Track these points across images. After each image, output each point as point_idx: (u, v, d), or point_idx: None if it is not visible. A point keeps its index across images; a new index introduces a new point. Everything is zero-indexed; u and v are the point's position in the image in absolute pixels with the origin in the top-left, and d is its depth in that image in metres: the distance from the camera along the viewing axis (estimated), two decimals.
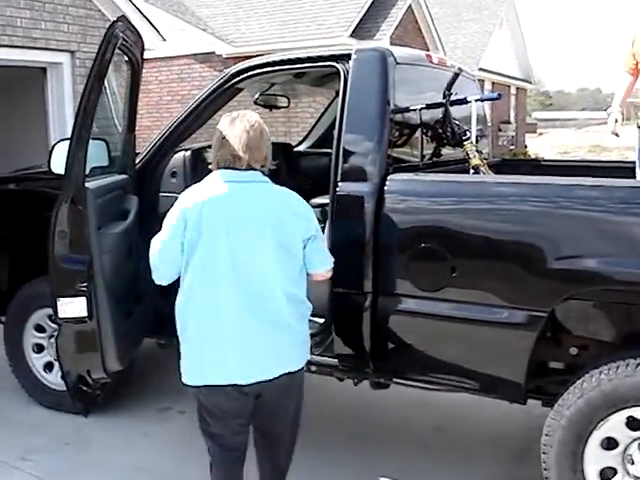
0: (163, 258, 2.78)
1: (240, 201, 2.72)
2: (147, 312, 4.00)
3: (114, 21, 3.52)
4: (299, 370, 2.84)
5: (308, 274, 2.90)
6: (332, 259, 2.98)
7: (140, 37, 3.93)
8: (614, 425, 2.93)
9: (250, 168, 2.75)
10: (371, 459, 3.76)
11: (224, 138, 2.77)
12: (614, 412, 2.91)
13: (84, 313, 3.50)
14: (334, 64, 3.60)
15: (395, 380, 3.55)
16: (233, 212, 2.69)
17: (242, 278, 2.67)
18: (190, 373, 2.82)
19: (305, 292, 2.86)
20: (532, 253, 3.03)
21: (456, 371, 3.31)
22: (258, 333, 2.69)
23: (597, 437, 2.95)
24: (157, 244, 2.78)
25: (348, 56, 3.56)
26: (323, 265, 2.94)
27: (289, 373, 2.77)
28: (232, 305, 2.67)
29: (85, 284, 3.48)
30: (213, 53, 14.69)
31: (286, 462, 3.03)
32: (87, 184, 3.51)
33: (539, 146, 27.05)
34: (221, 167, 2.77)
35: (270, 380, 2.72)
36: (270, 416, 2.88)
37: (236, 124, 2.77)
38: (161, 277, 2.84)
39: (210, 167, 2.81)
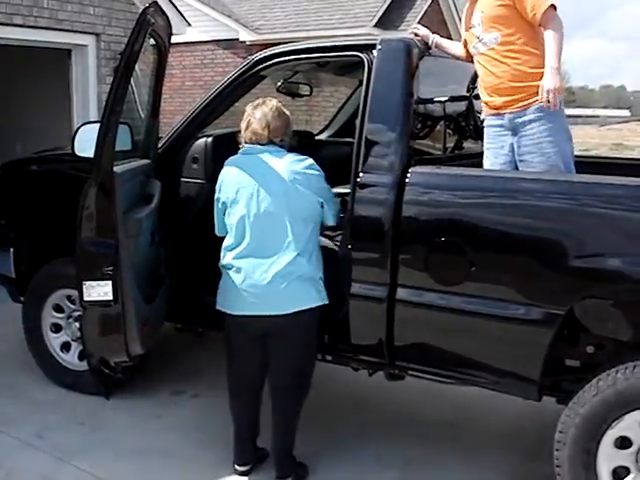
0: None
1: (259, 167, 3.31)
2: (168, 296, 4.02)
3: (146, 6, 3.52)
4: (306, 310, 3.27)
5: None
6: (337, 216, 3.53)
7: (169, 22, 3.94)
8: (628, 424, 2.92)
9: (270, 142, 3.34)
10: (382, 450, 3.77)
11: (249, 121, 3.36)
12: (629, 411, 2.90)
13: (109, 297, 3.53)
14: (358, 54, 3.59)
15: (410, 372, 3.55)
16: (254, 176, 3.28)
17: (264, 231, 3.27)
18: (222, 303, 3.40)
19: (317, 244, 3.41)
20: (553, 250, 3.02)
21: (471, 365, 3.31)
22: (274, 277, 3.24)
23: (611, 436, 2.94)
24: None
25: (373, 46, 3.54)
26: (333, 220, 3.50)
27: (296, 312, 3.25)
28: (259, 252, 3.27)
29: (111, 268, 3.50)
30: (237, 40, 14.67)
31: (292, 408, 3.42)
32: (115, 169, 3.53)
33: None
34: (247, 144, 3.38)
35: (278, 316, 3.24)
36: (277, 352, 3.34)
37: (258, 108, 3.38)
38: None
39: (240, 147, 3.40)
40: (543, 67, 3.37)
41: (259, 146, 3.33)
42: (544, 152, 3.45)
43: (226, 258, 3.35)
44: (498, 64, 3.51)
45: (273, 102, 3.41)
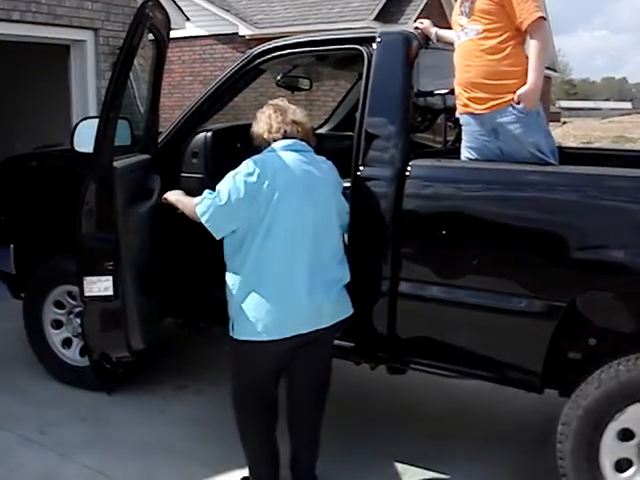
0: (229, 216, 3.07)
1: (310, 167, 3.11)
2: (168, 292, 4.02)
3: (145, 1, 3.50)
4: (330, 328, 3.11)
5: None
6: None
7: (167, 17, 3.93)
8: (631, 417, 2.91)
9: (302, 139, 3.16)
10: (387, 443, 3.78)
11: (284, 114, 3.17)
12: (631, 403, 2.89)
13: (110, 292, 3.52)
14: (358, 47, 3.57)
15: (412, 366, 3.55)
16: (303, 176, 3.07)
17: (306, 238, 3.03)
18: (258, 330, 3.00)
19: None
20: (554, 243, 3.02)
21: (473, 359, 3.31)
22: (313, 290, 3.02)
23: (613, 428, 2.93)
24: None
25: (372, 39, 3.53)
26: (347, 230, 3.36)
27: (324, 328, 3.07)
28: (303, 267, 3.01)
29: (112, 263, 3.49)
30: (236, 34, 14.65)
31: (319, 422, 3.29)
32: (114, 164, 3.52)
33: (562, 135, 26.81)
34: (278, 138, 3.14)
35: (324, 329, 3.06)
36: (308, 365, 3.17)
37: (287, 106, 3.23)
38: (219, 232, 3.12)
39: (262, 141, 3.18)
40: (519, 68, 3.31)
41: (304, 143, 3.16)
42: (522, 151, 3.40)
43: (257, 272, 2.99)
44: (473, 58, 3.42)
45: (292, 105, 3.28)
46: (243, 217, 3.00)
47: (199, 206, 3.11)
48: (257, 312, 2.97)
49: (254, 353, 3.04)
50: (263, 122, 3.19)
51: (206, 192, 3.15)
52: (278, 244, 2.98)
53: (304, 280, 3.00)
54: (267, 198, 2.97)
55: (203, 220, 3.08)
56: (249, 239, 3.00)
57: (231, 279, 3.07)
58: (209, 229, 3.09)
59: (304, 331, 3.00)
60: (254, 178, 2.99)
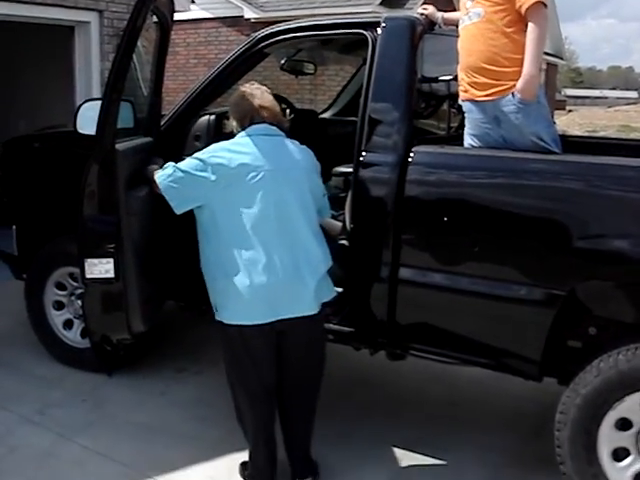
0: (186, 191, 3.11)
1: (282, 150, 3.13)
2: (170, 275, 4.02)
3: None
4: (318, 313, 3.11)
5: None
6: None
7: None
8: (629, 406, 2.92)
9: (272, 124, 3.15)
10: (384, 430, 3.78)
11: (252, 97, 3.19)
12: (630, 393, 2.90)
13: (111, 274, 3.52)
14: (362, 31, 3.55)
15: (411, 352, 3.55)
16: (278, 160, 3.08)
17: (285, 222, 3.03)
18: (238, 314, 3.02)
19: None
20: (556, 231, 3.01)
21: (472, 346, 3.31)
22: (298, 274, 3.02)
23: (612, 417, 2.95)
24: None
25: (377, 24, 3.51)
26: (327, 214, 3.43)
27: (310, 313, 3.07)
28: (278, 250, 2.98)
29: (113, 245, 3.50)
30: (241, 17, 14.55)
31: (313, 407, 3.27)
32: (117, 146, 3.52)
33: (567, 123, 26.75)
34: (246, 125, 3.15)
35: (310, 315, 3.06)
36: (298, 350, 3.14)
37: (256, 89, 3.24)
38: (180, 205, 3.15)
39: (232, 128, 3.23)
40: (521, 56, 3.27)
41: (274, 127, 3.17)
42: (523, 140, 3.38)
43: (239, 255, 2.97)
44: (475, 41, 3.39)
45: (262, 86, 3.30)
46: (205, 194, 3.03)
47: (159, 175, 3.17)
48: (239, 297, 2.96)
49: (240, 337, 3.03)
50: (232, 110, 3.23)
51: (169, 163, 3.20)
52: (253, 228, 2.97)
53: (285, 263, 2.99)
54: (238, 181, 2.99)
55: (161, 189, 3.14)
56: (222, 223, 3.01)
57: (209, 264, 3.09)
58: (167, 199, 3.13)
59: (288, 315, 3.00)
60: (222, 159, 3.03)
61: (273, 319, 2.98)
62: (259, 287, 2.95)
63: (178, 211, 3.13)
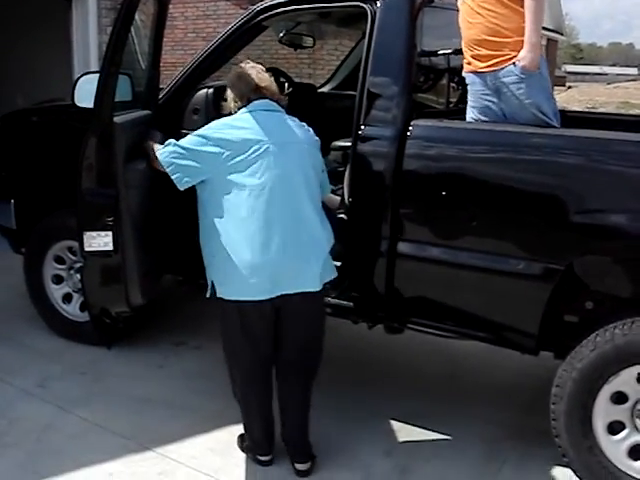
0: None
1: (283, 126, 3.11)
2: (168, 248, 4.02)
3: None
4: (319, 291, 3.07)
5: None
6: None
7: None
8: (625, 380, 2.95)
9: (277, 102, 3.16)
10: (381, 403, 3.81)
11: (249, 76, 3.15)
12: (626, 367, 2.92)
13: (110, 247, 3.53)
14: (361, 4, 3.52)
15: (409, 326, 3.57)
16: (279, 135, 3.05)
17: (288, 197, 3.00)
18: (236, 290, 2.99)
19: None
20: (554, 206, 3.01)
21: (470, 319, 3.33)
22: (301, 251, 3.01)
23: (607, 391, 2.97)
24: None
25: None
26: (327, 190, 3.41)
27: (310, 292, 3.04)
28: (280, 226, 2.95)
29: (111, 218, 3.50)
30: None
31: (306, 392, 3.22)
32: (115, 119, 3.50)
33: (567, 99, 26.61)
34: (245, 103, 3.13)
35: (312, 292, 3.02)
36: (298, 326, 3.11)
37: (252, 67, 3.21)
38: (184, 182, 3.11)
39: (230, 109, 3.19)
40: (519, 25, 3.26)
41: (274, 103, 3.16)
42: (524, 112, 3.38)
43: (241, 230, 2.95)
44: (475, 14, 3.39)
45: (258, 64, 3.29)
46: (209, 170, 3.01)
47: (161, 151, 3.14)
48: (238, 273, 2.93)
49: (237, 312, 3.01)
50: (229, 91, 3.21)
51: (171, 140, 3.17)
52: (255, 203, 2.94)
53: (287, 240, 2.96)
54: (240, 155, 2.96)
55: (164, 165, 3.10)
56: (224, 198, 2.98)
57: (209, 239, 3.06)
58: (171, 176, 3.09)
59: (288, 291, 2.97)
60: (224, 134, 3.01)
61: (272, 295, 2.96)
62: (260, 263, 2.92)
63: (181, 187, 3.09)
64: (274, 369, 3.21)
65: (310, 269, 3.03)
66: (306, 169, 3.11)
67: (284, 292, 2.97)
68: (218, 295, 3.04)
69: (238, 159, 2.96)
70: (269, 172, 2.96)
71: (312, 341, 3.20)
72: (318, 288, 3.06)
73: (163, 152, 3.13)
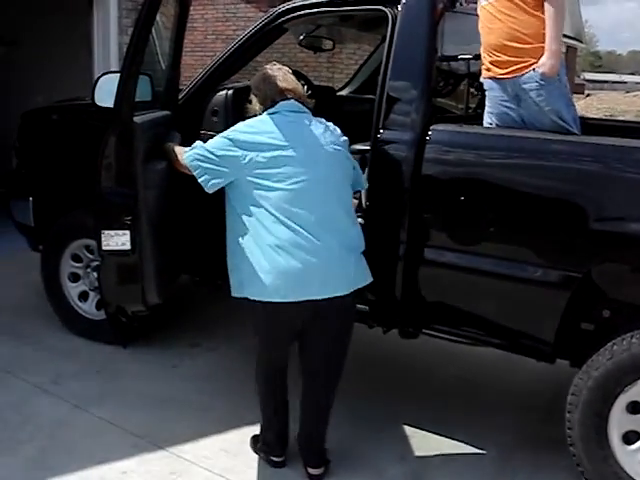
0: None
1: (309, 128, 3.05)
2: (186, 249, 4.04)
3: None
4: (348, 295, 2.99)
5: None
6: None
7: None
8: None
9: (303, 104, 3.11)
10: (395, 407, 3.80)
11: (274, 77, 3.12)
12: None
13: (127, 246, 3.55)
14: (382, 8, 3.52)
15: (424, 331, 3.56)
16: (306, 137, 3.02)
17: (318, 199, 2.94)
18: (271, 290, 2.91)
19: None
20: (574, 213, 3.00)
21: (485, 326, 3.32)
22: (334, 254, 2.94)
23: (623, 400, 2.95)
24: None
25: (397, 0, 3.48)
26: (363, 185, 3.37)
27: (342, 296, 2.96)
28: (312, 229, 2.90)
29: (130, 218, 3.51)
30: None
31: (327, 399, 3.18)
32: (134, 119, 3.52)
33: (586, 107, 26.47)
34: (270, 104, 3.08)
35: (342, 296, 2.95)
36: (327, 333, 3.05)
37: (277, 69, 3.17)
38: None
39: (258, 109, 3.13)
40: (539, 31, 3.25)
41: (300, 104, 3.10)
42: (544, 119, 3.36)
43: (273, 233, 2.89)
44: (494, 20, 3.37)
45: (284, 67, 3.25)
46: (236, 172, 2.95)
47: (188, 154, 3.11)
48: (270, 273, 2.87)
49: (264, 313, 2.95)
50: (254, 93, 3.16)
51: (197, 142, 3.14)
52: (284, 205, 2.89)
53: (320, 243, 2.89)
54: (268, 157, 2.91)
55: (191, 167, 3.07)
56: (252, 201, 2.92)
57: (236, 241, 2.98)
58: (198, 179, 3.05)
59: (317, 297, 2.89)
60: (249, 136, 2.96)
61: (301, 299, 2.88)
62: (291, 267, 2.86)
63: (209, 190, 3.04)
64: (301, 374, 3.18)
65: (340, 274, 2.97)
66: (334, 171, 3.05)
67: (313, 297, 2.89)
68: (245, 295, 2.98)
69: (264, 162, 2.91)
70: (297, 175, 2.91)
71: (339, 347, 3.14)
72: (347, 292, 2.97)
73: (189, 155, 3.09)
